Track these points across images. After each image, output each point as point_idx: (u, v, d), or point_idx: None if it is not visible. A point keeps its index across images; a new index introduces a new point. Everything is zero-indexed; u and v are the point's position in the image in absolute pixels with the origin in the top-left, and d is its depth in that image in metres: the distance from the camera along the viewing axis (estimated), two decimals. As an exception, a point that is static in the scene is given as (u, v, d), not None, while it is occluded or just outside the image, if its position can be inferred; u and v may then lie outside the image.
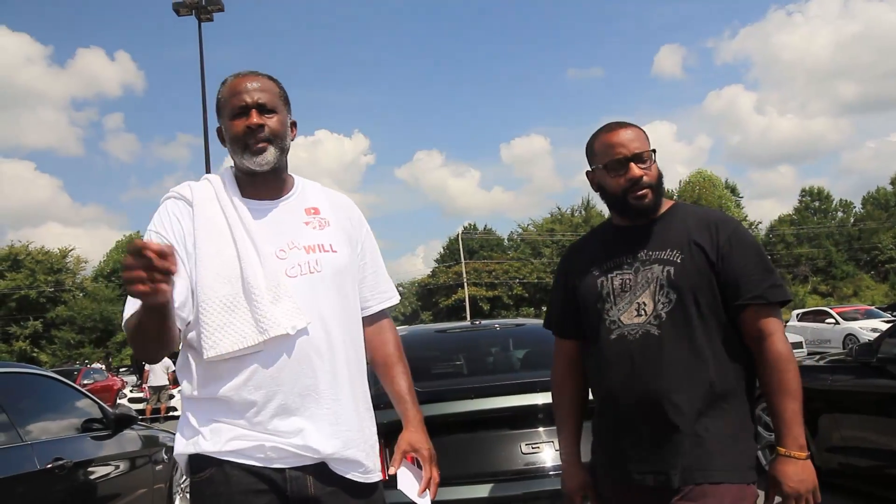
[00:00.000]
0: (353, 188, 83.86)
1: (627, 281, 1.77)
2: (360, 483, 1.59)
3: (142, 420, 4.24)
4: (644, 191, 1.77)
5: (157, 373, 15.46)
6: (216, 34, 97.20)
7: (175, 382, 15.86)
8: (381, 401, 1.80)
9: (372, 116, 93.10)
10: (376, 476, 1.64)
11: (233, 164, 1.70)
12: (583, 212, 57.50)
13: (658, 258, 1.75)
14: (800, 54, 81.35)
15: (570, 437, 1.95)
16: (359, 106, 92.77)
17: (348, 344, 1.63)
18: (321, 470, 1.55)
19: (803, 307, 28.40)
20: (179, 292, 1.49)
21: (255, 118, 1.59)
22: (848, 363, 4.55)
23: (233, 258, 1.55)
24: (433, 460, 1.69)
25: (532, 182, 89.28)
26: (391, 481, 1.66)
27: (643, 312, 1.73)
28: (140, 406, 15.53)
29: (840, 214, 59.69)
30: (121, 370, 28.09)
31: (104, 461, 3.90)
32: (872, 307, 22.02)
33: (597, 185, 1.86)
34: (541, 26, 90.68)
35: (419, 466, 1.69)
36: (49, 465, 3.23)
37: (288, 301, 1.53)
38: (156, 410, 15.23)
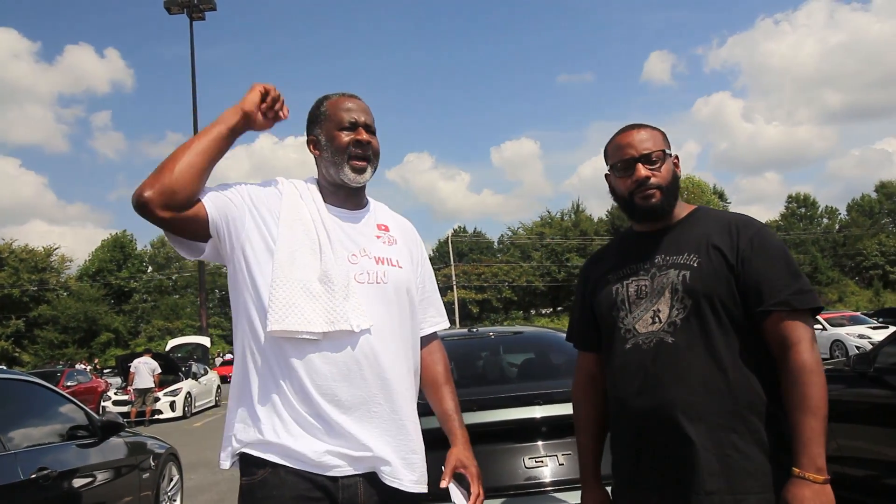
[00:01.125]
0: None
1: (643, 287, 1.70)
2: (406, 493, 1.60)
3: (126, 423, 4.12)
4: (651, 191, 1.70)
5: (143, 375, 15.22)
6: (208, 33, 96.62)
7: (160, 385, 15.70)
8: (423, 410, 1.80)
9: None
10: (422, 487, 1.64)
11: (316, 176, 1.78)
12: (573, 215, 57.73)
13: (674, 263, 1.67)
14: (787, 63, 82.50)
15: (588, 454, 1.88)
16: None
17: (402, 355, 1.67)
18: (371, 478, 1.58)
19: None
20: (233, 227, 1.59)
21: (364, 135, 1.68)
22: (845, 372, 4.52)
23: (312, 249, 1.60)
24: (480, 478, 1.73)
25: (522, 185, 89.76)
26: (435, 494, 1.68)
27: (658, 320, 1.65)
28: (125, 409, 15.33)
29: (825, 221, 60.36)
30: (105, 371, 27.69)
31: (90, 470, 3.79)
32: (858, 313, 22.20)
33: (610, 188, 1.81)
34: (532, 31, 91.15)
35: (461, 482, 1.72)
36: (33, 475, 3.13)
37: (355, 300, 1.58)
38: (140, 413, 15.00)
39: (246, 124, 1.65)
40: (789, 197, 60.90)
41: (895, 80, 78.12)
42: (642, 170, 1.70)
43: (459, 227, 60.55)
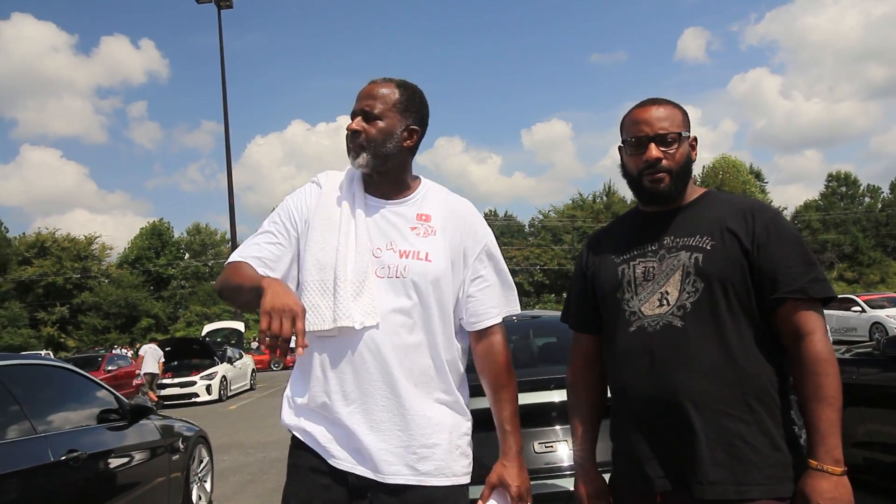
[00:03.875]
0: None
1: (651, 269, 1.65)
2: (416, 486, 1.62)
3: (154, 405, 4.24)
4: (661, 175, 1.65)
5: (148, 361, 15.56)
6: (240, 21, 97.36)
7: (165, 372, 16.08)
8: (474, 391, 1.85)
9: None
10: (434, 479, 1.64)
11: None
12: (604, 198, 57.06)
13: (686, 245, 1.62)
14: (827, 37, 79.84)
15: (584, 440, 1.83)
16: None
17: (423, 350, 1.67)
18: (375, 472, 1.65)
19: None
20: (280, 258, 1.73)
21: (353, 124, 1.71)
22: (875, 356, 4.42)
23: (333, 248, 1.67)
24: (524, 497, 1.69)
25: (554, 168, 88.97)
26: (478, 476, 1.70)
27: (666, 302, 1.60)
28: (164, 392, 15.74)
29: (867, 200, 58.56)
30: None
31: (119, 452, 3.91)
32: (900, 294, 21.55)
33: (621, 162, 1.76)
34: (564, 10, 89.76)
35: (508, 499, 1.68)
36: (63, 457, 3.23)
37: (367, 297, 1.63)
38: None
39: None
40: (829, 176, 59.16)
41: (943, 52, 75.10)
42: (654, 150, 1.64)
43: (490, 211, 60.32)
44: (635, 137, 1.67)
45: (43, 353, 30.94)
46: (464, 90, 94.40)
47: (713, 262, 1.58)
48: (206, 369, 16.37)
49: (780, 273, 1.55)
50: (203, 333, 23.60)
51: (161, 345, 17.98)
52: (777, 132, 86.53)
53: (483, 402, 2.63)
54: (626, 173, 1.73)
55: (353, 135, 1.71)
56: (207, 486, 5.49)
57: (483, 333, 1.77)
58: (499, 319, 1.77)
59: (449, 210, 1.77)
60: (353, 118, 1.72)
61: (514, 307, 1.82)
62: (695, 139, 1.72)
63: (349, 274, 1.64)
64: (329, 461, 1.65)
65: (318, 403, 1.67)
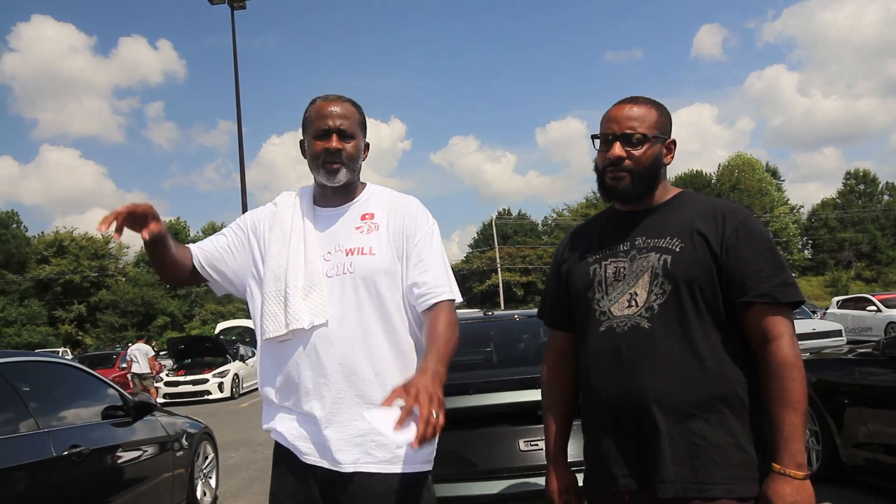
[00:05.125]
0: (389, 173, 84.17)
1: (622, 269, 1.66)
2: (376, 473, 1.68)
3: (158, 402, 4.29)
4: (621, 174, 1.67)
5: (139, 361, 15.48)
6: (257, 21, 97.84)
7: (178, 369, 16.16)
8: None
9: (408, 102, 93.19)
10: (391, 467, 1.69)
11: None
12: (618, 196, 56.59)
13: (656, 246, 1.63)
14: (846, 33, 78.87)
15: (555, 437, 1.84)
16: (395, 91, 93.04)
17: (375, 339, 1.73)
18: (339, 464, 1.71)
19: (846, 293, 27.59)
20: (233, 268, 1.88)
21: (334, 143, 1.79)
22: (876, 356, 4.39)
23: (285, 259, 1.79)
24: (431, 402, 1.42)
25: (569, 166, 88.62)
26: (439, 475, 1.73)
27: (635, 303, 1.61)
28: (176, 389, 15.92)
29: (886, 198, 57.73)
30: (161, 353, 28.73)
31: (122, 448, 3.96)
32: (918, 294, 21.26)
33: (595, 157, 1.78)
34: (579, 8, 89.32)
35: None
36: (65, 452, 3.29)
37: (316, 298, 1.73)
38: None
39: (146, 237, 1.69)
40: (847, 173, 58.43)
41: (965, 47, 73.87)
42: (617, 149, 1.66)
43: (504, 210, 60.33)
44: (603, 134, 1.69)
45: (60, 350, 31.34)
46: (478, 89, 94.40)
47: (681, 265, 1.59)
48: (219, 367, 16.53)
49: (748, 277, 1.56)
50: (216, 331, 23.80)
51: (174, 343, 18.14)
52: (795, 130, 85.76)
53: (473, 401, 2.67)
54: (595, 168, 1.75)
55: (334, 153, 1.78)
56: (212, 482, 5.55)
57: (430, 310, 1.73)
58: (445, 297, 1.75)
59: (392, 205, 1.85)
60: (323, 136, 1.80)
61: (454, 295, 1.80)
62: (672, 142, 1.73)
63: (300, 280, 1.75)
64: (300, 458, 1.74)
65: (285, 403, 1.78)
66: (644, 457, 1.58)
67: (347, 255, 1.76)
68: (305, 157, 1.87)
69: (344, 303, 1.73)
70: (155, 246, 1.72)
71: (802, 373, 1.52)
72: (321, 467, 1.71)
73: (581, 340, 1.74)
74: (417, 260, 1.79)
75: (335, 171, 1.80)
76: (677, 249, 1.60)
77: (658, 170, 1.70)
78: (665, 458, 1.53)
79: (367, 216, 1.83)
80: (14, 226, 52.41)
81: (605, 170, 1.69)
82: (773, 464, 1.49)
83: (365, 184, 1.93)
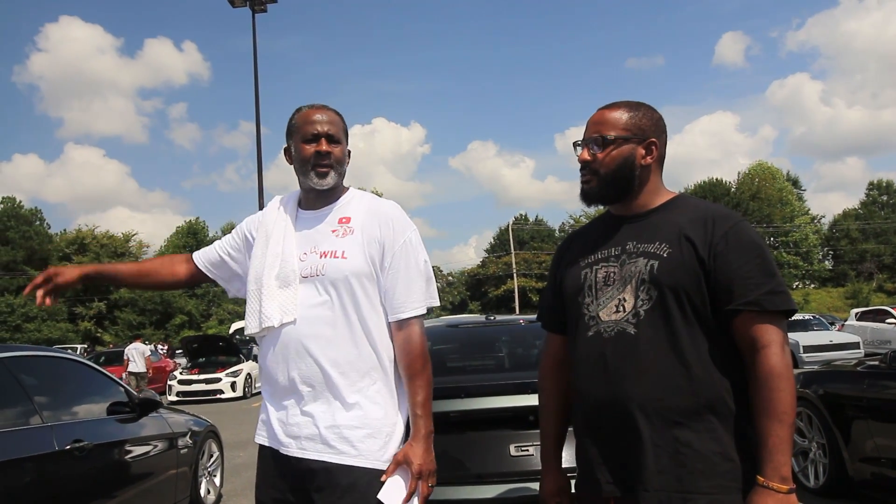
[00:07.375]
0: (408, 177, 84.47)
1: (612, 274, 1.65)
2: (340, 465, 1.74)
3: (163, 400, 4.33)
4: (587, 176, 1.70)
5: (135, 360, 15.72)
6: (279, 24, 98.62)
7: (192, 368, 16.26)
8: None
9: (428, 106, 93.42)
10: (359, 461, 1.74)
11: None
12: (636, 203, 56.20)
13: (644, 251, 1.61)
14: (871, 43, 77.90)
15: (549, 440, 1.85)
16: (416, 96, 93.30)
17: (344, 340, 1.79)
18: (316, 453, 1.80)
19: (867, 305, 27.16)
20: (233, 269, 2.05)
21: (324, 146, 1.87)
22: (882, 370, 4.32)
23: (264, 259, 1.89)
24: (424, 476, 1.77)
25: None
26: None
27: (622, 309, 1.60)
28: (190, 388, 16.05)
29: (910, 209, 56.77)
30: (177, 352, 29.02)
31: (126, 444, 4.00)
32: (940, 308, 20.86)
33: None
34: (599, 14, 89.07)
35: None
36: (68, 447, 3.32)
37: (288, 297, 1.81)
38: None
39: (78, 284, 2.06)
40: (870, 184, 57.67)
41: None
42: (583, 153, 1.70)
43: (520, 216, 60.20)
44: (582, 137, 1.74)
45: (79, 347, 31.74)
46: (498, 93, 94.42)
47: (667, 270, 1.57)
48: (232, 367, 16.64)
49: (735, 284, 1.53)
50: (231, 331, 23.99)
51: (188, 341, 18.30)
52: (817, 139, 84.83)
53: (464, 405, 2.67)
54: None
55: (324, 155, 1.86)
56: (217, 480, 5.58)
57: (401, 325, 1.84)
58: (415, 312, 1.83)
59: (370, 210, 1.89)
60: (312, 140, 1.87)
61: (432, 301, 1.89)
62: (653, 144, 1.68)
63: (273, 280, 1.84)
64: (280, 450, 1.82)
65: (267, 396, 1.90)
66: (627, 464, 1.56)
67: (321, 257, 1.82)
68: (291, 163, 1.94)
69: (314, 303, 1.80)
70: (109, 280, 2.09)
71: (791, 383, 1.49)
72: (295, 457, 1.79)
73: (572, 345, 1.74)
74: (389, 270, 1.83)
75: (325, 173, 1.86)
76: (665, 255, 1.59)
77: (630, 171, 1.68)
78: (648, 465, 1.52)
79: (343, 220, 1.88)
80: (37, 223, 53.25)
81: (580, 174, 1.73)
82: (758, 476, 1.47)
83: (347, 188, 1.98)
